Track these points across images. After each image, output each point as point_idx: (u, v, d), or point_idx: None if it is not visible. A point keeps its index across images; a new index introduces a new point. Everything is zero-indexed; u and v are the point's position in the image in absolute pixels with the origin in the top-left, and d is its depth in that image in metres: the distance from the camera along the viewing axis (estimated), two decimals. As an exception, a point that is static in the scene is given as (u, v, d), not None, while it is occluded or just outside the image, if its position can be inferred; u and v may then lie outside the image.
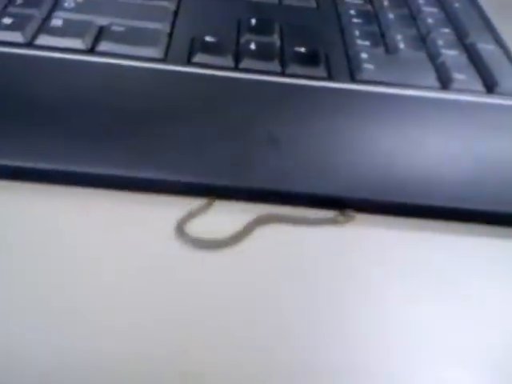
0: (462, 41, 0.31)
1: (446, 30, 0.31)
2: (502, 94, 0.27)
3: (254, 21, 0.29)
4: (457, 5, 0.34)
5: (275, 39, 0.28)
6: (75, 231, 0.20)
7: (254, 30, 0.28)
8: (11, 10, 0.27)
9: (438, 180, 0.22)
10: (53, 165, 0.20)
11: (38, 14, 0.27)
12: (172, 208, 0.21)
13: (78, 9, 0.27)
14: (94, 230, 0.20)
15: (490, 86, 0.28)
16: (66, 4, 0.27)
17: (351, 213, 0.21)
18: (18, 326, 0.17)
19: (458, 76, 0.28)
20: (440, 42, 0.30)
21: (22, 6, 0.27)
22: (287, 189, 0.21)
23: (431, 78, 0.27)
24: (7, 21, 0.26)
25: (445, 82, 0.27)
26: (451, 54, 0.29)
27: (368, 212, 0.22)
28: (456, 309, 0.19)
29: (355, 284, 0.19)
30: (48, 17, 0.27)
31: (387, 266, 0.20)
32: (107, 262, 0.19)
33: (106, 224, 0.20)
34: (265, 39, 0.28)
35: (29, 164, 0.20)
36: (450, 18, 0.33)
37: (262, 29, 0.29)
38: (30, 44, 0.25)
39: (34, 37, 0.25)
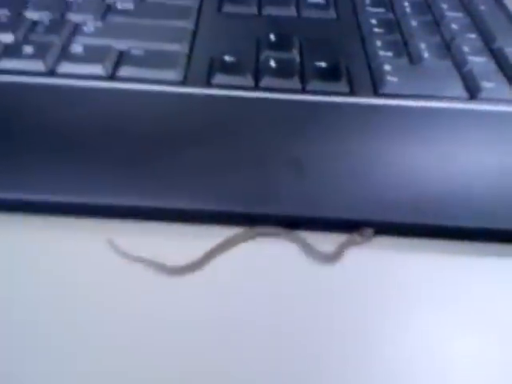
0: (489, 46, 0.30)
1: (472, 36, 0.30)
2: (533, 102, 0.26)
3: (272, 37, 0.29)
4: (482, 7, 0.33)
5: (295, 55, 0.28)
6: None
7: (273, 47, 0.28)
8: (32, 37, 0.27)
9: (472, 199, 0.21)
10: (76, 197, 0.20)
11: (58, 40, 0.27)
12: (198, 238, 0.21)
13: (97, 33, 0.28)
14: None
15: (521, 94, 0.27)
16: (85, 28, 0.28)
17: (369, 231, 0.21)
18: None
19: (487, 84, 0.27)
20: (466, 49, 0.29)
21: (43, 32, 0.27)
22: (311, 215, 0.20)
23: (458, 88, 0.26)
24: (28, 49, 0.26)
25: (473, 92, 0.26)
26: (478, 61, 0.28)
27: (394, 234, 0.21)
28: (490, 339, 0.18)
29: (377, 310, 0.19)
30: (68, 43, 0.27)
31: (409, 289, 0.20)
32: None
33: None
34: (284, 55, 0.28)
35: (57, 197, 0.20)
36: (476, 23, 0.32)
37: (281, 44, 0.28)
38: (51, 72, 0.25)
39: (56, 64, 0.26)
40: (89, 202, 0.20)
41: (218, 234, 0.21)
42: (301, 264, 0.20)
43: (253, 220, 0.21)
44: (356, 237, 0.21)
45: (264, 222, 0.21)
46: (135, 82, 0.25)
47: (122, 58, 0.26)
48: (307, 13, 0.32)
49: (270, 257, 0.20)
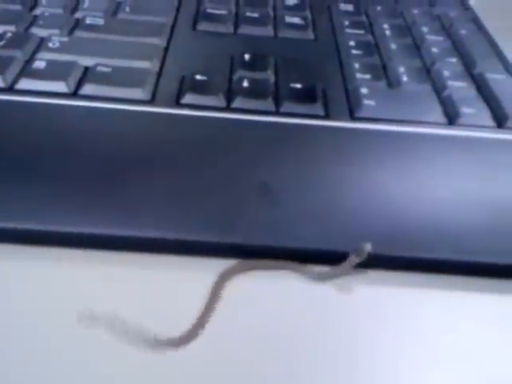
0: (470, 71, 0.29)
1: (453, 60, 0.30)
2: (514, 129, 0.26)
3: (247, 56, 0.28)
4: (463, 31, 0.32)
5: (269, 75, 0.27)
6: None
7: (248, 66, 0.27)
8: (-7, 51, 0.26)
9: (446, 230, 0.20)
10: (33, 225, 0.19)
11: (20, 55, 0.25)
12: (157, 267, 0.19)
13: (63, 49, 0.26)
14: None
15: (500, 120, 0.26)
16: (50, 44, 0.26)
17: (366, 249, 0.19)
18: None
19: (466, 110, 0.26)
20: (446, 73, 0.28)
21: (5, 47, 0.26)
22: (276, 244, 0.19)
23: (437, 113, 0.26)
24: (-12, 64, 0.25)
25: (452, 117, 0.26)
26: (458, 86, 0.28)
27: (368, 267, 0.20)
28: (472, 374, 0.17)
29: (363, 346, 0.18)
30: (31, 58, 0.26)
31: (393, 324, 0.18)
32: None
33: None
34: (259, 75, 0.26)
35: (7, 224, 0.19)
36: (457, 46, 0.31)
37: (256, 64, 0.27)
38: (10, 88, 0.24)
39: (15, 81, 0.24)
40: (46, 229, 0.19)
41: (183, 263, 0.19)
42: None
43: (218, 250, 0.19)
44: (353, 258, 0.19)
45: (230, 251, 0.19)
46: (100, 100, 0.24)
47: (86, 75, 0.25)
48: (284, 33, 0.31)
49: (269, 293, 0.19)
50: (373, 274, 0.20)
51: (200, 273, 0.19)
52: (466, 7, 0.36)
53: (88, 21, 0.29)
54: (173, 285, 0.19)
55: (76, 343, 0.17)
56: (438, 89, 0.27)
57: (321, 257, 0.19)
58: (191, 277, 0.19)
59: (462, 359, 0.17)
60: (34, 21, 0.28)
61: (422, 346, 0.18)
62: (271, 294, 0.19)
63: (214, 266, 0.19)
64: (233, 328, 0.18)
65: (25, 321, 0.17)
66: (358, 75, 0.27)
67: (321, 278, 0.19)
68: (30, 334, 0.17)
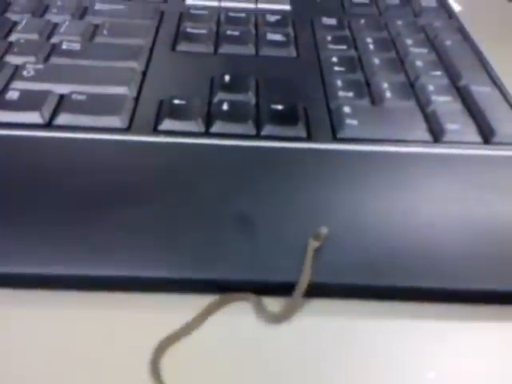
0: (455, 83, 0.29)
1: (437, 73, 0.29)
2: (500, 144, 0.25)
3: (227, 77, 0.27)
4: (448, 42, 0.32)
5: (250, 97, 0.26)
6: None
7: (228, 88, 0.26)
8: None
9: (428, 255, 0.20)
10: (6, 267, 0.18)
11: (-6, 85, 0.25)
12: (139, 304, 0.19)
13: (37, 77, 0.26)
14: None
15: (487, 136, 0.25)
16: (25, 72, 0.26)
17: (323, 231, 0.19)
18: None
19: (451, 126, 0.25)
20: (430, 88, 0.28)
21: (-21, 77, 0.26)
22: (255, 278, 0.18)
23: (421, 131, 0.25)
24: (-40, 98, 0.24)
25: (436, 135, 0.25)
26: (443, 101, 0.27)
27: (350, 297, 0.19)
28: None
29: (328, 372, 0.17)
30: (5, 88, 0.25)
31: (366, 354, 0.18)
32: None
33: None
34: (239, 97, 0.26)
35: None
36: (441, 58, 0.31)
37: (236, 86, 0.27)
38: (-16, 122, 0.24)
39: (-11, 113, 0.24)
40: (10, 272, 0.18)
41: (162, 301, 0.19)
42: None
43: (195, 286, 0.19)
44: (313, 242, 0.19)
45: (208, 287, 0.19)
46: (75, 130, 0.23)
47: (61, 104, 0.24)
48: (266, 51, 0.30)
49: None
50: (353, 303, 0.19)
51: (178, 309, 0.18)
52: (451, 16, 0.36)
53: (64, 46, 0.28)
54: (147, 324, 0.18)
55: None
56: (423, 104, 0.27)
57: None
58: (168, 314, 0.18)
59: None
60: (8, 48, 0.28)
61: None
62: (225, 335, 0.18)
63: (193, 302, 0.19)
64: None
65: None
66: (341, 93, 0.27)
67: (277, 319, 0.18)
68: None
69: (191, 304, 0.18)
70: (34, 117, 0.23)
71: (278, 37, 0.31)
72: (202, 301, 0.18)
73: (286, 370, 0.17)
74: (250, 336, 0.18)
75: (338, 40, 0.32)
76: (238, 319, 0.18)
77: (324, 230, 0.20)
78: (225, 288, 0.19)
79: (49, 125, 0.24)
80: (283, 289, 0.19)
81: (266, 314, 0.18)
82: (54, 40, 0.29)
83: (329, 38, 0.32)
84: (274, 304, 0.19)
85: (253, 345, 0.18)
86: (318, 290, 0.19)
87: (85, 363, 0.17)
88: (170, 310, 0.18)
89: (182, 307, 0.18)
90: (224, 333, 0.18)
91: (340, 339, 0.18)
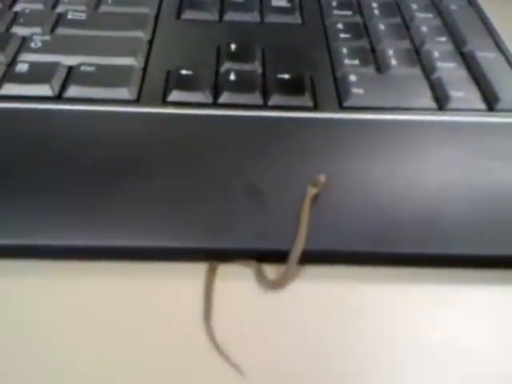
0: (460, 49, 0.29)
1: (443, 39, 0.29)
2: (504, 111, 0.25)
3: (233, 46, 0.27)
4: (454, 7, 0.32)
5: (256, 66, 0.26)
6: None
7: (234, 57, 0.27)
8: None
9: (435, 223, 0.20)
10: (17, 239, 0.19)
11: (3, 58, 0.25)
12: (148, 274, 0.19)
13: (45, 48, 0.26)
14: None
15: (491, 103, 0.25)
16: (32, 44, 0.26)
17: (321, 178, 0.20)
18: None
19: (456, 93, 0.26)
20: (435, 54, 0.28)
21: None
22: (269, 247, 0.19)
23: (426, 98, 0.25)
24: (-30, 69, 0.24)
25: (441, 102, 0.25)
26: (447, 67, 0.27)
27: (355, 263, 0.20)
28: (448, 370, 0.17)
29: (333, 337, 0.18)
30: (13, 61, 0.25)
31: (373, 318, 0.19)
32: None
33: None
34: (245, 67, 0.26)
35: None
36: (447, 24, 0.31)
37: (243, 55, 0.27)
38: (-5, 94, 0.24)
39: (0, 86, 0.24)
40: (29, 243, 0.19)
41: (176, 271, 0.19)
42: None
43: (213, 255, 0.20)
44: (311, 189, 0.20)
45: (226, 256, 0.20)
46: (85, 102, 0.24)
47: (70, 76, 0.25)
48: (271, 18, 0.30)
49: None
50: (355, 269, 0.20)
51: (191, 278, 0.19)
52: (457, -22, 0.35)
53: (70, 16, 0.28)
54: (167, 289, 0.19)
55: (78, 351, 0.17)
56: (428, 71, 0.27)
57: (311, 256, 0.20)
58: (183, 282, 0.19)
59: (451, 356, 0.18)
60: (14, 19, 0.28)
61: (413, 344, 0.18)
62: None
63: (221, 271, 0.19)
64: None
65: (20, 331, 0.18)
66: (346, 61, 0.27)
67: (275, 285, 0.19)
68: (24, 343, 0.17)
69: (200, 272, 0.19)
70: (44, 89, 0.24)
71: (282, 3, 0.31)
72: (227, 268, 0.19)
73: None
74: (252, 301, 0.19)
75: (342, 5, 0.31)
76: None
77: (322, 177, 0.20)
78: (237, 257, 0.19)
79: (59, 97, 0.24)
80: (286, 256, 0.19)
81: (264, 280, 0.19)
82: (59, 9, 0.29)
83: (334, 4, 0.31)
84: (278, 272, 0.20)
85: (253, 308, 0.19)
86: (319, 257, 0.20)
87: (102, 331, 0.18)
88: (181, 277, 0.19)
89: (190, 275, 0.19)
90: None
91: (343, 304, 0.19)
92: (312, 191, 0.20)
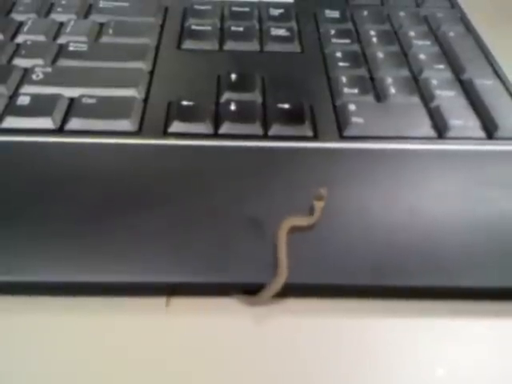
0: (459, 77, 0.29)
1: (441, 66, 0.29)
2: (503, 139, 0.25)
3: (233, 76, 0.27)
4: (451, 34, 0.32)
5: (257, 96, 0.26)
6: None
7: (234, 87, 0.27)
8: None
9: (437, 254, 0.20)
10: (15, 276, 0.19)
11: (5, 90, 0.25)
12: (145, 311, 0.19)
13: (46, 80, 0.26)
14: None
15: (490, 131, 0.26)
16: (34, 76, 0.26)
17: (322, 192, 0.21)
18: None
19: (455, 122, 0.26)
20: (434, 82, 0.28)
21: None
22: (267, 281, 0.19)
23: (426, 127, 0.25)
24: (-28, 103, 0.25)
25: (440, 130, 0.26)
26: (446, 95, 0.27)
27: (353, 297, 0.20)
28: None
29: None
30: (15, 93, 0.25)
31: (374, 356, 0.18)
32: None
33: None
34: (246, 96, 0.26)
35: None
36: (445, 51, 0.31)
37: (243, 84, 0.27)
38: (-3, 128, 0.24)
39: (1, 119, 0.24)
40: (26, 280, 0.19)
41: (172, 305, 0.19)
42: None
43: (210, 290, 0.20)
44: (318, 203, 0.21)
45: (223, 290, 0.20)
46: (86, 134, 0.24)
47: (72, 108, 0.25)
48: (271, 47, 0.30)
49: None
50: (353, 302, 0.20)
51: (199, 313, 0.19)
52: (453, 5, 0.36)
53: (71, 47, 0.28)
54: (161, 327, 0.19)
55: None
56: (427, 99, 0.27)
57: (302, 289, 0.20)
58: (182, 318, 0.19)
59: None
60: (16, 50, 0.28)
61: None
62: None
63: (209, 305, 0.19)
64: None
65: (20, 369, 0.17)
66: (346, 90, 0.27)
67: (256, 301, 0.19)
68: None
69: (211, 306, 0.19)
70: (46, 122, 0.24)
71: (282, 31, 0.31)
72: (218, 302, 0.19)
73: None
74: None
75: (341, 34, 0.32)
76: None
77: (323, 191, 0.21)
78: (238, 291, 0.19)
79: (60, 130, 0.24)
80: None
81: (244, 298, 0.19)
82: (61, 40, 0.29)
83: (332, 32, 0.32)
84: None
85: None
86: (315, 290, 0.20)
87: (103, 368, 0.18)
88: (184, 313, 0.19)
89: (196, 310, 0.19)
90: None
91: (338, 338, 0.19)
92: (320, 204, 0.21)
